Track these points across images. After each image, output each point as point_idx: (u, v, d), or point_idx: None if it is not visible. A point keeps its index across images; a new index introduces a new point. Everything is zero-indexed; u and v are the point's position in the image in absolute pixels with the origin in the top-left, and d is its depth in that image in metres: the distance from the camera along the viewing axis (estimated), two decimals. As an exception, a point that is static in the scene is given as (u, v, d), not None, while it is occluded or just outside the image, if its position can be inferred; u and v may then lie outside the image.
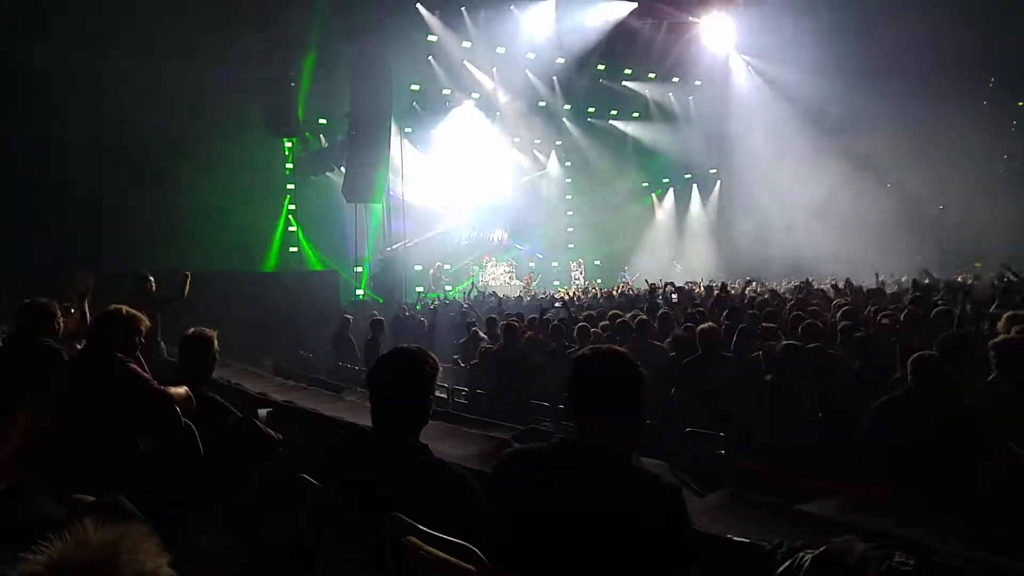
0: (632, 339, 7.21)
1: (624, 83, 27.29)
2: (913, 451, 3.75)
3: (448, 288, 23.64)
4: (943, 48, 21.70)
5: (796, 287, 13.27)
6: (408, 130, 24.70)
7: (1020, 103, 27.19)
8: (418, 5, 21.03)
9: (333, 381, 9.39)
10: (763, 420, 5.16)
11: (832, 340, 6.50)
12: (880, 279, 11.53)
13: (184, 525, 3.38)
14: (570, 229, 30.20)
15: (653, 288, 10.59)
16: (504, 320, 9.21)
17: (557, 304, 12.23)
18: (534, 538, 1.84)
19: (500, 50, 23.80)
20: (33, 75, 14.83)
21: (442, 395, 8.24)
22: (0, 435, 3.15)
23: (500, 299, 15.97)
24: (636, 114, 28.80)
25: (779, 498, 2.70)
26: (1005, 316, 5.38)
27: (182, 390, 3.79)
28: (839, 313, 7.45)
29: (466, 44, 22.98)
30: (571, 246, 29.93)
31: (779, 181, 27.70)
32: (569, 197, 30.03)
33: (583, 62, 25.27)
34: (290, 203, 21.99)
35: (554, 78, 25.91)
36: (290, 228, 21.77)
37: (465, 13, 22.08)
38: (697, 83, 28.15)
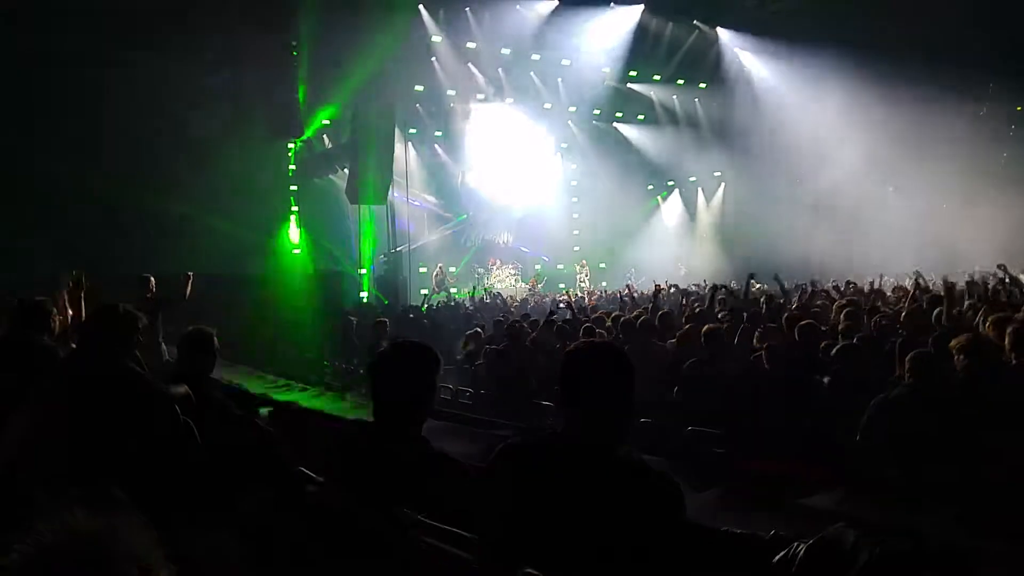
0: (635, 339, 7.23)
1: (629, 85, 27.29)
2: (915, 445, 3.75)
3: (453, 290, 23.67)
4: (944, 53, 21.70)
5: (800, 287, 13.23)
6: (412, 131, 24.75)
7: (1019, 107, 27.17)
8: (420, 6, 21.09)
9: (336, 382, 9.42)
10: (773, 418, 5.16)
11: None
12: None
13: (182, 525, 3.37)
14: (576, 232, 30.19)
15: (658, 289, 10.62)
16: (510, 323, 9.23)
17: (561, 305, 12.25)
18: (528, 530, 1.84)
19: (505, 51, 23.83)
20: (33, 75, 14.88)
21: (446, 396, 8.26)
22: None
23: (506, 301, 15.99)
24: (641, 116, 28.79)
25: (776, 493, 2.70)
26: (991, 318, 5.36)
27: (182, 389, 3.79)
28: (841, 314, 7.43)
29: (470, 45, 23.01)
30: (576, 248, 29.92)
31: (782, 183, 27.72)
32: (575, 200, 30.04)
33: (588, 64, 25.29)
34: (293, 205, 22.02)
35: (559, 80, 25.93)
36: (293, 230, 21.80)
37: (469, 14, 22.11)
38: (702, 86, 28.17)
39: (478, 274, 26.53)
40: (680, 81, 27.56)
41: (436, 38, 22.31)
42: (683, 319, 8.40)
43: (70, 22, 15.29)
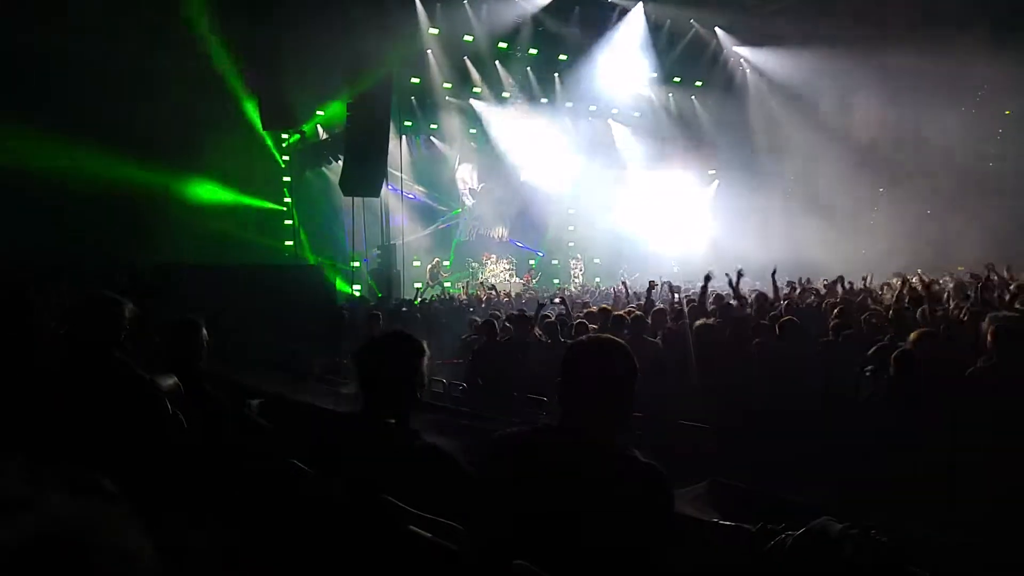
0: (626, 335, 7.23)
1: (625, 82, 27.29)
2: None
3: (447, 284, 23.66)
4: (934, 57, 21.79)
5: (789, 284, 13.26)
6: (408, 124, 24.70)
7: (1007, 112, 27.29)
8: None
9: (327, 375, 9.39)
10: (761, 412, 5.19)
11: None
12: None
13: (170, 516, 3.36)
14: (571, 227, 30.21)
15: (652, 286, 10.64)
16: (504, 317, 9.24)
17: (556, 300, 12.27)
18: (520, 521, 1.84)
19: (502, 45, 23.80)
20: (27, 67, 14.80)
21: (438, 390, 8.26)
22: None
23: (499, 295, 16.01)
24: (637, 113, 28.82)
25: (764, 487, 2.71)
26: (988, 316, 5.39)
27: (170, 380, 3.77)
28: (833, 312, 7.46)
29: (468, 38, 22.96)
30: (571, 244, 29.92)
31: (774, 183, 27.84)
32: (570, 195, 30.04)
33: (585, 59, 25.29)
34: (287, 196, 21.95)
35: (556, 75, 25.91)
36: (286, 222, 21.74)
37: (467, 7, 22.07)
38: (698, 84, 28.21)
39: (472, 269, 26.55)
40: (676, 79, 27.59)
41: (433, 31, 22.27)
42: (673, 315, 8.40)
43: (71, 9, 15.21)
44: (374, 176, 19.13)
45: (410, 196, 24.92)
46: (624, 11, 24.65)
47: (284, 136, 21.62)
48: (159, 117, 16.63)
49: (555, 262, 29.44)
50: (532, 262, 29.13)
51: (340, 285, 18.88)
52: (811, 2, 23.15)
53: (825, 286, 11.78)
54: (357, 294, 20.29)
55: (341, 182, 19.34)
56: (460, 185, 27.44)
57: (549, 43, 24.31)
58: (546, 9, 23.07)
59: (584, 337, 2.10)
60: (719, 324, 7.07)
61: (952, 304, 7.22)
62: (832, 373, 5.71)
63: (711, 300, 9.03)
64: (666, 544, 1.79)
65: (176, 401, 3.71)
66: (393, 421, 2.38)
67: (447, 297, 18.20)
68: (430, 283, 22.62)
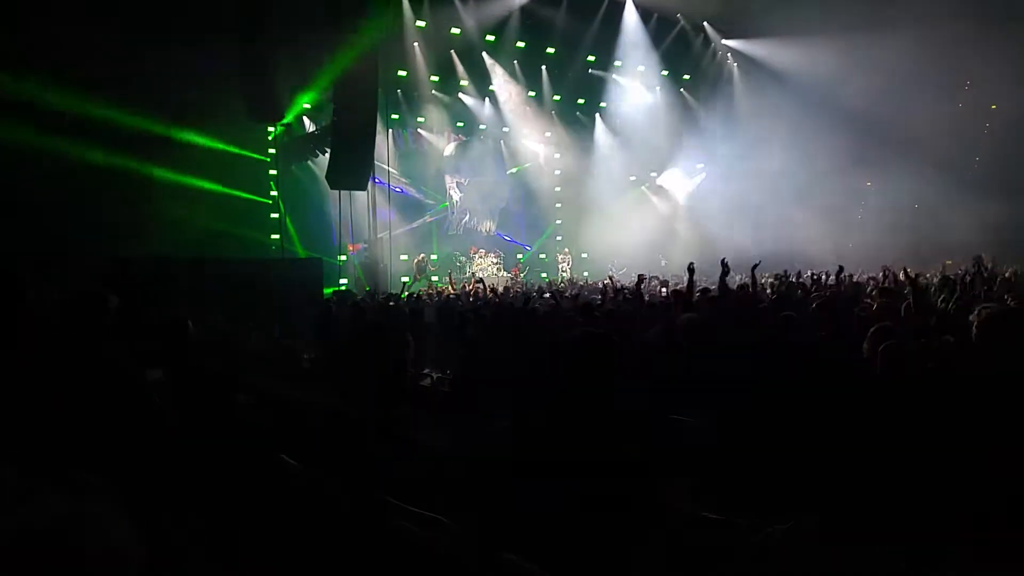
0: (616, 329, 7.25)
1: (615, 75, 27.32)
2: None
3: (434, 278, 23.62)
4: (920, 50, 21.92)
5: (777, 277, 13.33)
6: (394, 117, 24.61)
7: (993, 106, 27.49)
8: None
9: (315, 369, 9.37)
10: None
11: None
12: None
13: (157, 510, 3.34)
14: (558, 221, 30.23)
15: (640, 280, 10.68)
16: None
17: (547, 295, 12.30)
18: (509, 513, 1.84)
19: (489, 38, 23.74)
20: (7, 58, 14.62)
21: (425, 384, 8.25)
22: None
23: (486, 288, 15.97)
24: (625, 107, 28.84)
25: (754, 481, 2.73)
26: (977, 308, 5.44)
27: (157, 373, 3.75)
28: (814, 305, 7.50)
29: (455, 31, 22.89)
30: (559, 238, 29.96)
31: (762, 176, 27.93)
32: (558, 189, 30.05)
33: (573, 53, 25.28)
34: (273, 190, 21.83)
35: (543, 67, 25.88)
36: (272, 215, 21.62)
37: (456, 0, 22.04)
38: (686, 78, 28.26)
39: (459, 263, 26.53)
40: (664, 72, 27.62)
41: (421, 23, 22.19)
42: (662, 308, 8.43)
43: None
44: (360, 169, 19.06)
45: (397, 190, 24.83)
46: (613, 5, 24.63)
47: (270, 129, 21.48)
48: (144, 107, 16.50)
49: (543, 256, 29.45)
50: (520, 256, 29.13)
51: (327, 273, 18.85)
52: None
53: (813, 280, 11.84)
54: (343, 287, 20.22)
55: (327, 175, 19.25)
56: (447, 179, 27.40)
57: (537, 36, 24.26)
58: (535, 1, 23.04)
59: (570, 333, 2.10)
60: (705, 317, 7.10)
61: (938, 298, 7.27)
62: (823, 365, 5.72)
63: (698, 292, 9.05)
64: (655, 539, 1.80)
65: (163, 395, 3.69)
66: (382, 414, 2.38)
67: (434, 291, 18.16)
68: (417, 277, 22.55)
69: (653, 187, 31.71)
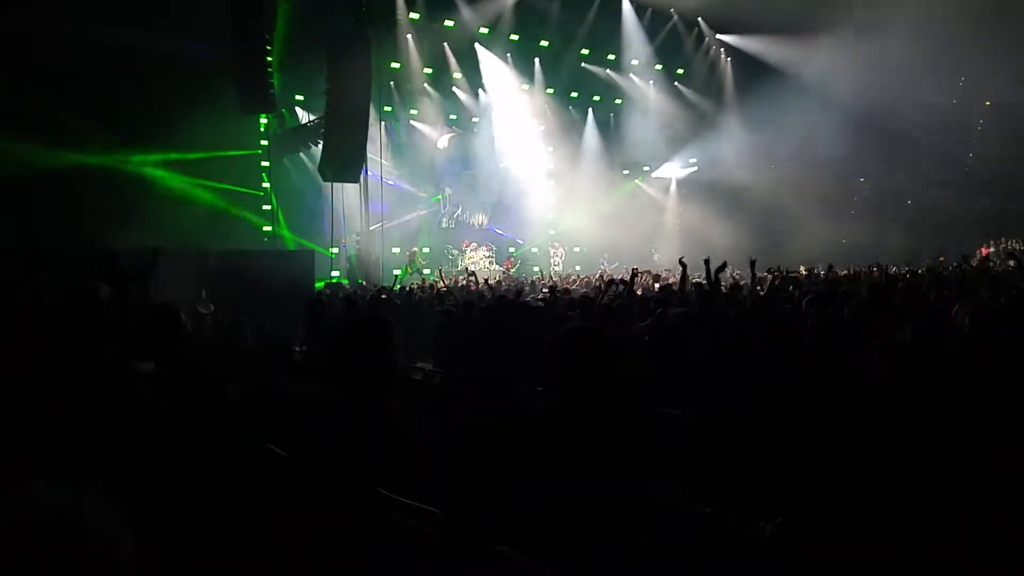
0: (609, 322, 7.27)
1: (608, 69, 27.29)
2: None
3: (426, 271, 23.59)
4: (915, 45, 21.98)
5: (772, 272, 13.38)
6: (387, 110, 24.52)
7: (987, 103, 27.62)
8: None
9: (306, 361, 9.36)
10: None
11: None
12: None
13: (148, 502, 3.33)
14: (551, 215, 30.21)
15: (634, 273, 10.69)
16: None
17: (544, 290, 12.31)
18: (502, 507, 1.85)
19: (483, 31, 23.66)
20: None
21: (416, 377, 8.25)
22: None
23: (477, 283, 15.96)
24: (619, 101, 28.83)
25: (743, 474, 2.74)
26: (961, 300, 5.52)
27: (148, 365, 3.73)
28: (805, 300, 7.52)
29: (448, 23, 22.81)
30: (552, 232, 29.94)
31: (756, 171, 27.97)
32: (551, 182, 30.01)
33: (567, 46, 25.23)
34: (265, 181, 21.73)
35: (537, 60, 25.81)
36: (265, 207, 21.53)
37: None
38: (680, 71, 28.25)
39: (451, 256, 26.48)
40: (658, 66, 27.60)
41: (414, 15, 22.10)
42: (652, 303, 8.45)
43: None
44: (353, 162, 19.01)
45: (389, 182, 24.76)
46: (607, -1, 24.62)
47: (263, 120, 21.37)
48: (130, 98, 16.41)
49: (535, 250, 29.44)
50: (512, 250, 29.12)
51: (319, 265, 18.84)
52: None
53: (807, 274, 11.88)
54: (334, 279, 20.18)
55: (320, 167, 19.19)
56: (440, 171, 27.30)
57: (531, 29, 24.19)
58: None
59: (568, 326, 2.10)
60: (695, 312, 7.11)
61: (933, 294, 7.31)
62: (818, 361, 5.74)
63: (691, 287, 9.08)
64: (644, 527, 1.80)
65: (155, 387, 3.67)
66: (370, 405, 2.38)
67: (426, 284, 18.15)
68: (409, 270, 22.52)
69: (646, 180, 31.73)
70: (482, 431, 2.08)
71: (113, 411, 3.52)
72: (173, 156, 17.58)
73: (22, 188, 14.87)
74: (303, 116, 22.49)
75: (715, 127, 28.25)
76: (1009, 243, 21.98)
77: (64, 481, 1.30)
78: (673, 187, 31.44)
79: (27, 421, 3.35)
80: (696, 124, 28.34)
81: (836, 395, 4.28)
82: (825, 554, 1.72)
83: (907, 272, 13.27)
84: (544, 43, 24.92)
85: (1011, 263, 9.67)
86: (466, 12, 22.62)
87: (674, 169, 31.04)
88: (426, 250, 25.70)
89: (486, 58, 24.77)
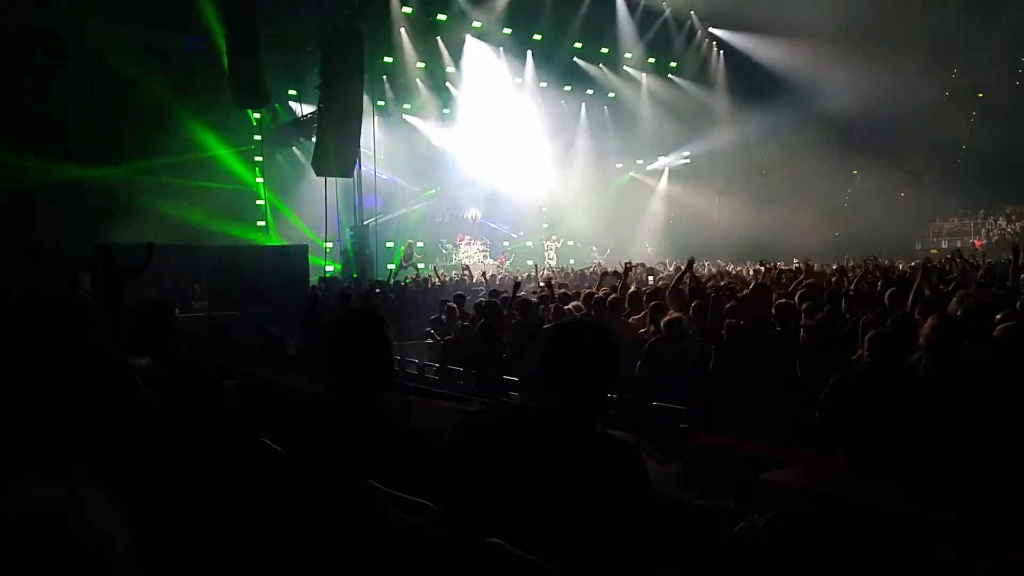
0: (603, 316, 7.28)
1: (600, 63, 27.24)
2: (870, 423, 3.85)
3: (421, 266, 23.55)
4: (909, 38, 22.02)
5: (762, 266, 13.42)
6: (380, 104, 24.44)
7: (980, 94, 27.67)
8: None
9: (301, 356, 9.35)
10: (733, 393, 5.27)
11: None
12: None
13: (143, 497, 3.33)
14: (544, 208, 30.19)
15: (628, 268, 10.69)
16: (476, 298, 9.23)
17: (542, 284, 12.31)
18: (496, 501, 1.85)
19: (476, 24, 23.59)
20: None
21: (413, 371, 8.25)
22: None
23: (471, 277, 15.99)
24: (612, 94, 28.79)
25: (738, 468, 2.75)
26: (956, 295, 5.55)
27: (143, 360, 3.72)
28: (798, 295, 7.56)
29: (441, 17, 22.73)
30: (545, 226, 29.93)
31: (748, 164, 28.00)
32: (544, 176, 29.97)
33: (559, 40, 25.17)
34: (258, 176, 21.66)
35: (529, 52, 25.74)
36: (258, 201, 21.46)
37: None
38: (673, 65, 28.23)
39: (445, 251, 26.45)
40: (651, 60, 27.57)
41: (407, 9, 22.02)
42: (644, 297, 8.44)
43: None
44: (347, 156, 18.95)
45: (383, 176, 24.68)
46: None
47: (256, 116, 21.30)
48: (124, 93, 16.35)
49: (529, 244, 29.42)
50: (507, 244, 29.09)
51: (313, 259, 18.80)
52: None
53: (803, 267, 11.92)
54: (328, 274, 20.13)
55: (313, 162, 19.13)
56: (434, 165, 27.22)
57: (524, 23, 24.11)
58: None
59: (566, 321, 2.11)
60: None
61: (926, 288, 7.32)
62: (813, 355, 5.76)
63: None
64: (642, 524, 1.81)
65: (148, 381, 3.67)
66: (363, 399, 2.37)
67: (421, 279, 18.12)
68: (404, 264, 22.46)
69: (640, 174, 31.75)
70: (481, 422, 2.08)
71: (107, 406, 3.52)
72: (165, 151, 17.51)
73: (12, 182, 14.81)
74: (297, 110, 22.41)
75: (708, 120, 28.26)
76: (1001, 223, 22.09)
77: (58, 476, 1.30)
78: (665, 180, 31.45)
79: (20, 416, 3.34)
80: (689, 117, 28.33)
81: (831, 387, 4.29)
82: (819, 545, 1.73)
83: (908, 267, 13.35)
84: (537, 37, 24.84)
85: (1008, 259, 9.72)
86: (459, 6, 22.53)
87: (667, 162, 31.05)
88: (420, 244, 25.65)
89: (479, 52, 24.68)
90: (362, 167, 21.88)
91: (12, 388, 3.42)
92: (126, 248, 8.82)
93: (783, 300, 6.88)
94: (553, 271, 20.07)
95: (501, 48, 25.02)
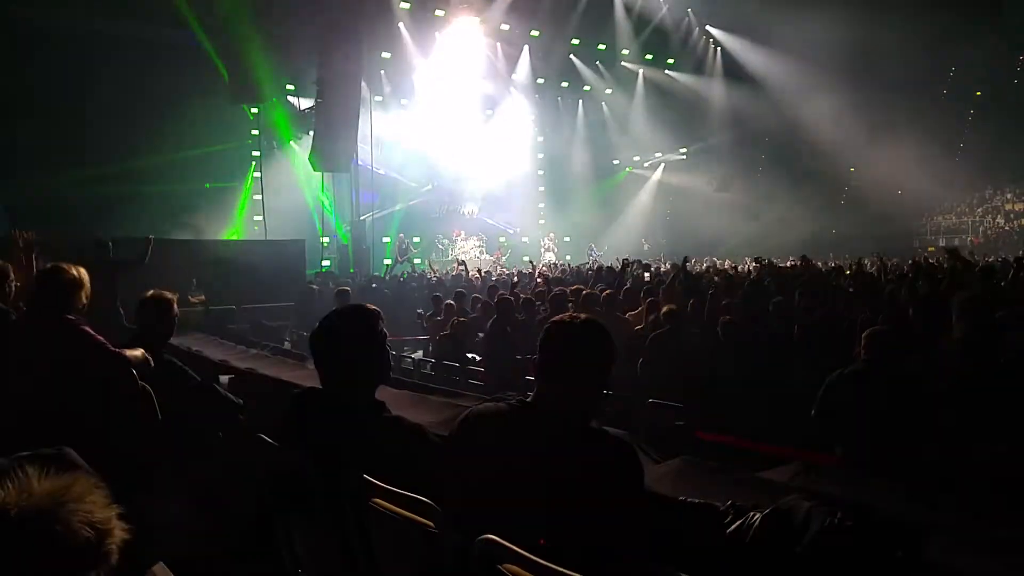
0: (599, 312, 7.28)
1: (598, 60, 27.22)
2: (866, 420, 3.86)
3: (417, 261, 23.54)
4: (906, 38, 22.03)
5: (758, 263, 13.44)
6: (378, 99, 24.39)
7: (978, 93, 27.73)
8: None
9: (297, 351, 9.33)
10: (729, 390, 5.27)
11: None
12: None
13: (138, 489, 3.33)
14: (541, 204, 30.18)
15: (625, 265, 10.71)
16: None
17: (539, 279, 12.31)
18: (491, 495, 1.86)
19: (474, 20, 23.55)
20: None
21: (408, 366, 8.25)
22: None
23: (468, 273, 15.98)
24: (609, 91, 28.77)
25: (734, 465, 2.76)
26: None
27: (139, 353, 3.71)
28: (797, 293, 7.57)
29: (439, 12, 22.69)
30: (542, 222, 29.94)
31: (745, 160, 28.01)
32: (541, 172, 29.98)
33: (558, 36, 25.13)
34: (255, 171, 21.61)
35: (526, 47, 25.70)
36: (255, 196, 21.41)
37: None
38: (670, 61, 28.21)
39: (442, 246, 26.43)
40: (648, 56, 27.55)
41: (405, 4, 21.96)
42: (641, 293, 8.45)
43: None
44: (344, 151, 18.93)
45: (380, 172, 24.66)
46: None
47: (254, 110, 21.23)
48: (122, 87, 16.30)
49: (525, 239, 29.43)
50: (503, 239, 29.09)
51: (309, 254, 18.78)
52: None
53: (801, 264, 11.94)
54: (325, 269, 20.11)
55: (310, 157, 19.10)
56: (430, 161, 27.19)
57: (522, 18, 24.07)
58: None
59: (564, 316, 2.09)
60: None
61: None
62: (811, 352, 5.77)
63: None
64: (636, 520, 1.81)
65: (145, 374, 3.66)
66: (358, 395, 2.37)
67: (416, 274, 18.12)
68: (399, 259, 22.44)
69: (636, 170, 31.76)
70: (477, 417, 2.08)
71: (104, 397, 3.52)
72: (163, 146, 17.46)
73: (9, 175, 14.79)
74: (296, 104, 22.37)
75: (705, 116, 28.27)
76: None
77: (54, 465, 1.30)
78: (659, 175, 31.45)
79: (17, 405, 3.34)
80: (686, 114, 28.33)
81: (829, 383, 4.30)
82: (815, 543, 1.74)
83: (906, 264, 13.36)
84: (535, 33, 24.80)
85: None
86: (457, 1, 22.48)
87: (664, 158, 31.05)
88: (416, 239, 25.63)
89: (477, 47, 24.63)
90: (359, 162, 21.88)
91: (9, 384, 3.42)
92: (125, 242, 8.81)
93: (780, 298, 6.90)
94: (550, 268, 20.07)
95: (499, 44, 24.96)
